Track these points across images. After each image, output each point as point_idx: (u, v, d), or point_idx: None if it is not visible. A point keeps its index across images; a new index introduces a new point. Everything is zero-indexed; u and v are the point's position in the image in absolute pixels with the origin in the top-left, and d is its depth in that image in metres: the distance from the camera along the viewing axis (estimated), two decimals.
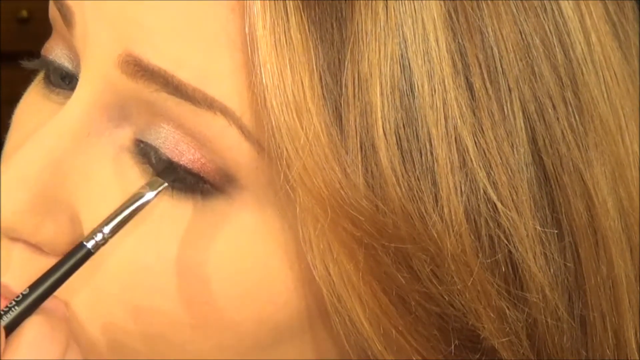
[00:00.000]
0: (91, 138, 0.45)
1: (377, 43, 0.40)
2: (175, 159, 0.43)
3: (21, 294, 0.42)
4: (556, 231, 0.43)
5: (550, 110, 0.42)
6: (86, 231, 0.45)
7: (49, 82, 0.48)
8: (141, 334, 0.45)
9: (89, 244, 0.43)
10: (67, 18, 0.45)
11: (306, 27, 0.40)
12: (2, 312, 0.42)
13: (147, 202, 0.44)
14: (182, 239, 0.44)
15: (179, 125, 0.43)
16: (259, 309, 0.45)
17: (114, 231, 0.43)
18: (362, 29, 0.40)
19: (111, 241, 0.44)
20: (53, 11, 0.46)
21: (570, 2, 0.43)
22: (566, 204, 0.43)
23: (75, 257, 0.43)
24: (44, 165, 0.44)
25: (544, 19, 0.43)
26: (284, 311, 0.45)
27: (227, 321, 0.45)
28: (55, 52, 0.47)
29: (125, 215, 0.43)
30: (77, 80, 0.46)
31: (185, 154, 0.43)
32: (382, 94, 0.40)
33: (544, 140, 0.42)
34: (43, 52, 0.48)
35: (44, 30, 0.49)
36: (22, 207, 0.44)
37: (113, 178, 0.45)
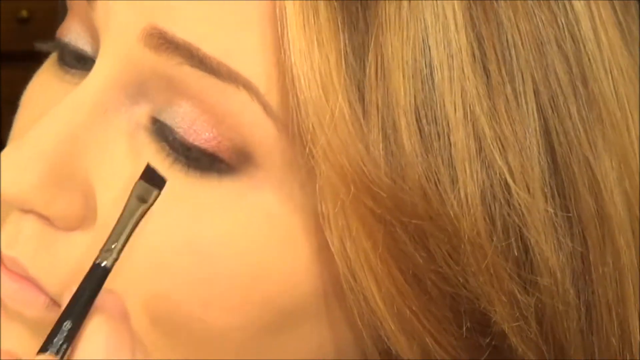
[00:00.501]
0: (108, 114, 0.45)
1: (399, 28, 0.41)
2: (190, 139, 0.44)
3: (63, 328, 0.42)
4: (568, 216, 0.44)
5: (561, 100, 0.43)
6: (100, 208, 0.45)
7: (63, 63, 0.49)
8: (151, 318, 0.45)
9: (106, 263, 0.43)
10: None
11: (334, 8, 0.41)
12: (54, 351, 0.41)
13: (147, 209, 0.44)
14: (195, 219, 0.44)
15: (200, 101, 0.43)
16: (273, 289, 0.45)
17: (124, 243, 0.43)
18: (385, 14, 0.41)
19: (116, 214, 0.44)
20: None
21: (581, 0, 0.45)
22: (575, 193, 0.44)
23: (96, 278, 0.43)
24: (60, 140, 0.44)
25: (557, 14, 0.44)
26: (298, 290, 0.45)
27: (240, 301, 0.45)
28: (72, 33, 0.48)
29: (131, 228, 0.43)
30: (92, 61, 0.46)
31: (200, 133, 0.43)
32: (403, 77, 0.41)
33: (555, 129, 0.43)
34: (58, 34, 0.48)
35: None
36: (37, 180, 0.44)
37: (128, 155, 0.45)
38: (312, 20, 0.41)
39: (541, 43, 0.43)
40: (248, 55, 0.42)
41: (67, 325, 0.42)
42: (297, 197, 0.44)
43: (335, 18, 0.41)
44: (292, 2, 0.41)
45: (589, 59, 0.44)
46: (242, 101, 0.42)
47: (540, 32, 0.43)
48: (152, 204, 0.43)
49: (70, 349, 0.42)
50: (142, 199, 0.43)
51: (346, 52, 0.41)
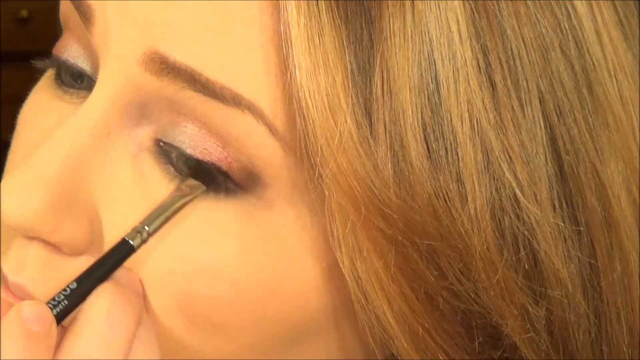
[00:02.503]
0: (111, 137, 0.44)
1: (404, 43, 0.41)
2: (201, 157, 0.43)
3: (68, 287, 0.42)
4: (576, 227, 0.44)
5: (567, 107, 0.43)
6: (106, 232, 0.45)
7: (61, 82, 0.48)
8: (162, 336, 0.45)
9: (134, 242, 0.43)
10: (86, 16, 0.44)
11: (338, 27, 0.41)
12: (50, 306, 0.42)
13: (188, 202, 0.44)
14: (204, 241, 0.44)
15: (204, 124, 0.43)
16: (283, 307, 0.45)
17: (157, 229, 0.43)
18: (389, 29, 0.41)
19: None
20: (66, 9, 0.46)
21: (583, 2, 0.44)
22: (583, 201, 0.44)
23: (119, 253, 0.43)
24: (63, 165, 0.44)
25: (560, 19, 0.43)
26: (308, 309, 0.45)
27: (251, 320, 0.45)
28: (69, 51, 0.47)
29: (167, 215, 0.43)
30: (91, 79, 0.45)
31: (212, 153, 0.43)
32: (410, 92, 0.41)
33: (562, 137, 0.43)
34: (55, 51, 0.48)
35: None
36: (42, 207, 0.43)
37: (133, 178, 0.45)
38: (317, 41, 0.41)
39: (545, 50, 0.43)
40: (252, 78, 0.42)
41: (73, 284, 0.42)
42: (305, 216, 0.44)
43: (340, 37, 0.41)
44: (296, 23, 0.41)
45: (593, 64, 0.44)
46: (247, 124, 0.42)
47: (544, 39, 0.43)
48: (195, 197, 0.43)
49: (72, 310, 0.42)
50: (188, 191, 0.43)
51: (352, 70, 0.41)
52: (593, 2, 0.45)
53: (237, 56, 0.42)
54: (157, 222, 0.43)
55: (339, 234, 0.42)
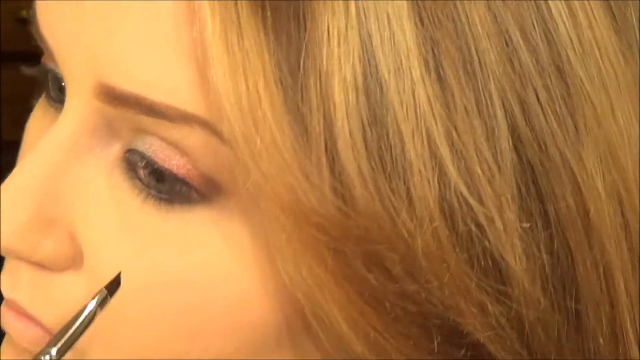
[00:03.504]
0: (82, 157, 0.45)
1: (338, 39, 0.39)
2: (163, 164, 0.43)
3: None
4: (539, 223, 0.42)
5: (532, 98, 0.41)
6: (85, 247, 0.45)
7: (49, 96, 0.48)
8: (105, 346, 0.45)
9: None
10: (47, 50, 0.45)
11: (260, 29, 0.39)
12: None
13: (92, 314, 0.43)
14: (169, 253, 0.44)
15: (162, 138, 0.43)
16: (251, 317, 0.45)
17: (63, 352, 0.43)
18: (321, 26, 0.39)
19: (101, 251, 0.44)
20: None
21: None
22: (551, 192, 0.42)
23: None
24: (37, 185, 0.44)
25: (525, 3, 0.41)
26: (263, 321, 0.45)
27: (220, 330, 0.45)
28: (52, 63, 0.47)
29: (71, 334, 0.43)
30: None
31: (171, 159, 0.43)
32: (345, 92, 0.39)
33: (525, 130, 0.41)
34: (43, 59, 0.48)
35: None
36: (19, 228, 0.44)
37: (107, 194, 0.45)
38: (236, 45, 0.39)
39: (505, 37, 0.41)
40: (194, 92, 0.41)
41: None
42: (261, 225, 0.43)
43: (264, 39, 0.39)
44: (211, 28, 0.39)
45: (564, 46, 0.42)
46: (199, 136, 0.42)
47: (503, 25, 0.41)
48: (99, 304, 0.43)
49: None
50: (99, 305, 0.43)
51: (280, 72, 0.39)
52: None
53: (172, 73, 0.41)
54: (65, 340, 0.43)
55: (276, 242, 0.41)
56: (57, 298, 0.46)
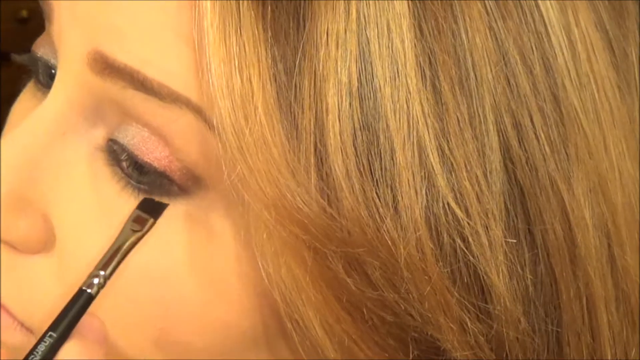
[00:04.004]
0: (67, 137, 0.45)
1: (336, 43, 0.39)
2: (141, 156, 0.43)
3: (35, 351, 0.42)
4: (524, 243, 0.42)
5: (526, 122, 0.41)
6: (58, 231, 0.45)
7: (37, 81, 0.48)
8: (121, 345, 0.45)
9: (92, 290, 0.43)
10: (47, 14, 0.45)
11: (260, 24, 0.40)
12: None
13: (141, 238, 0.44)
14: (151, 245, 0.44)
15: (146, 123, 0.43)
16: (227, 315, 0.45)
17: (113, 271, 0.43)
18: (321, 28, 0.39)
19: (74, 236, 0.44)
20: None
21: (554, 6, 0.41)
22: (539, 216, 0.42)
23: (79, 303, 0.43)
24: (17, 165, 0.44)
25: (523, 24, 0.41)
26: (237, 320, 0.45)
27: (197, 327, 0.45)
28: (44, 48, 0.47)
29: (121, 255, 0.43)
30: None
31: (152, 152, 0.43)
32: (339, 95, 0.39)
33: (517, 151, 0.41)
34: (33, 48, 0.48)
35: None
36: None
37: (87, 178, 0.45)
38: (233, 38, 0.39)
39: (503, 59, 0.41)
40: (187, 75, 0.41)
41: (42, 347, 0.42)
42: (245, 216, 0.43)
43: (262, 34, 0.39)
44: (210, 18, 0.40)
45: (561, 74, 0.41)
46: (187, 121, 0.42)
47: (502, 46, 0.41)
48: (145, 233, 0.43)
49: None
50: (136, 228, 0.43)
51: (276, 69, 0.39)
52: (569, 5, 0.42)
53: (174, 54, 0.41)
54: (112, 265, 0.43)
55: (257, 238, 0.41)
56: (25, 281, 0.45)
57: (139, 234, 0.43)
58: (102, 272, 0.43)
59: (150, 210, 0.44)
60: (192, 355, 0.46)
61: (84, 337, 0.43)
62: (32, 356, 0.42)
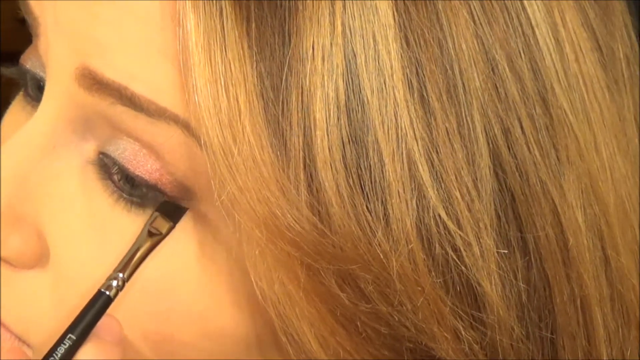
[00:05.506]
0: (58, 150, 0.44)
1: (322, 56, 0.39)
2: (133, 170, 0.43)
3: (54, 354, 0.42)
4: (516, 250, 0.42)
5: (515, 127, 0.41)
6: (52, 245, 0.45)
7: (26, 94, 0.48)
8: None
9: (110, 292, 0.43)
10: (33, 28, 0.45)
11: (244, 41, 0.39)
12: None
13: (160, 241, 0.44)
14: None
15: (137, 138, 0.43)
16: (204, 328, 0.45)
17: (131, 274, 0.43)
18: (306, 43, 0.39)
19: (68, 251, 0.44)
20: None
21: (540, 7, 0.41)
22: (531, 221, 0.42)
23: (96, 305, 0.43)
24: (9, 180, 0.44)
25: (510, 29, 0.41)
26: (230, 331, 0.45)
27: (194, 337, 0.45)
28: (32, 61, 0.47)
29: (139, 258, 0.44)
30: None
31: (143, 165, 0.43)
32: (326, 109, 0.39)
33: (507, 158, 0.41)
34: (21, 60, 0.48)
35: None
36: None
37: (79, 192, 0.45)
38: (218, 56, 0.39)
39: (490, 65, 0.40)
40: (176, 92, 0.41)
41: (61, 350, 0.42)
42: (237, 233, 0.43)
43: (247, 52, 0.39)
44: (194, 37, 0.39)
45: (550, 77, 0.41)
46: (176, 136, 0.42)
47: (489, 53, 0.40)
48: (164, 236, 0.44)
49: None
50: (154, 231, 0.44)
51: (262, 85, 0.39)
52: (555, 7, 0.42)
53: (158, 70, 0.41)
54: (130, 267, 0.43)
55: (249, 255, 0.41)
56: (20, 296, 0.45)
57: (158, 237, 0.43)
58: (120, 275, 0.43)
59: (169, 213, 0.44)
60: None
61: (101, 339, 0.43)
62: (52, 358, 0.42)
